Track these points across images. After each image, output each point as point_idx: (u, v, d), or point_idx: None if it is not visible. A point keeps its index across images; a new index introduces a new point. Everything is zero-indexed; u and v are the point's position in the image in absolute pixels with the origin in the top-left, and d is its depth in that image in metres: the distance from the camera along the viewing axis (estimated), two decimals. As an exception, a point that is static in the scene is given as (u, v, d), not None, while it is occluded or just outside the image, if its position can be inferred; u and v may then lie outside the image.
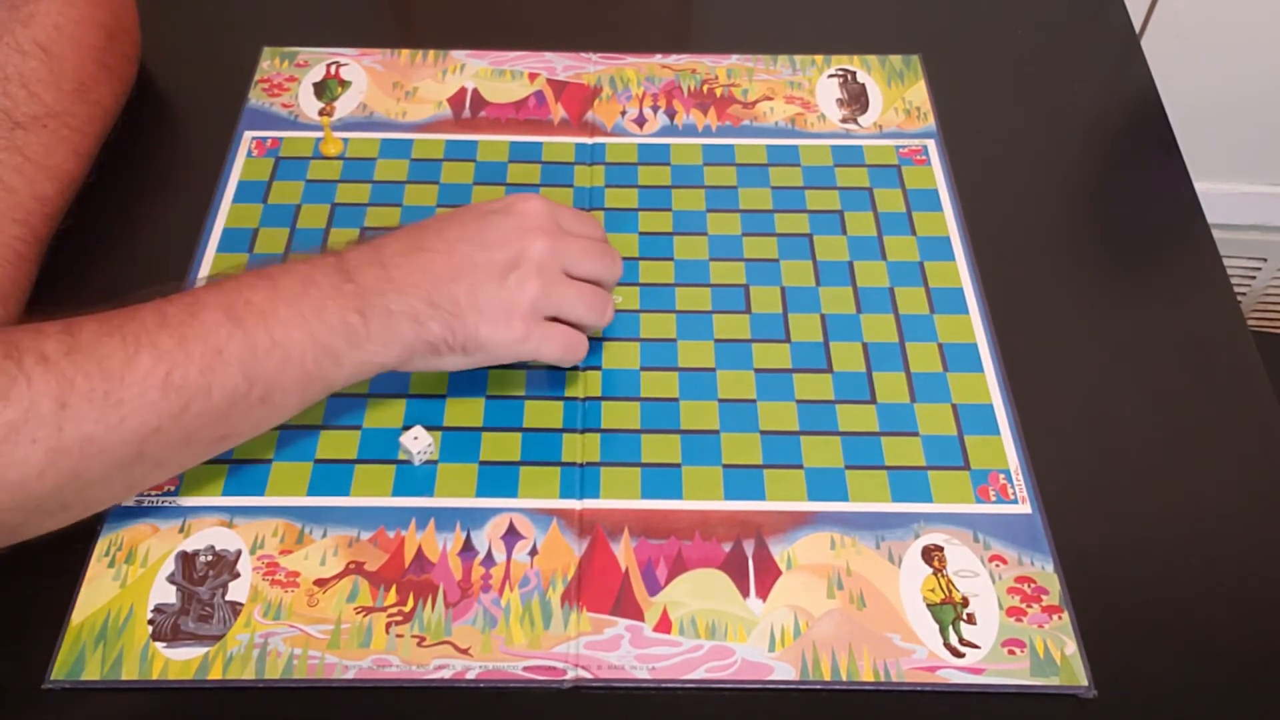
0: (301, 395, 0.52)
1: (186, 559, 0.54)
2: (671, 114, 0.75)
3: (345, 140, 0.72)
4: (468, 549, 0.55)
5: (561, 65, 0.78)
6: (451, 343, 0.53)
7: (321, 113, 0.75)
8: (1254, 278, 1.43)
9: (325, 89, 0.76)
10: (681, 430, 0.59)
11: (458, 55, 0.79)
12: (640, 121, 0.75)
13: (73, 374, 0.46)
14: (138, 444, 0.48)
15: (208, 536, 0.55)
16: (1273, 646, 0.53)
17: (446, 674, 0.51)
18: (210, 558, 0.54)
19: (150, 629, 0.52)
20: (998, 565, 0.55)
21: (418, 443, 0.57)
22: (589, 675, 0.51)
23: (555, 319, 0.56)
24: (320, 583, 0.53)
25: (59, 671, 0.50)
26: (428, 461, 0.58)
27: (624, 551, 0.55)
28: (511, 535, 0.55)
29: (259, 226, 0.68)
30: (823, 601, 0.53)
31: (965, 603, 0.53)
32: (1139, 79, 0.79)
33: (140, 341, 0.48)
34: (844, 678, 0.51)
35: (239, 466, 0.57)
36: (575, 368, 0.61)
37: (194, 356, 0.48)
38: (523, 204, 0.56)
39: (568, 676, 0.51)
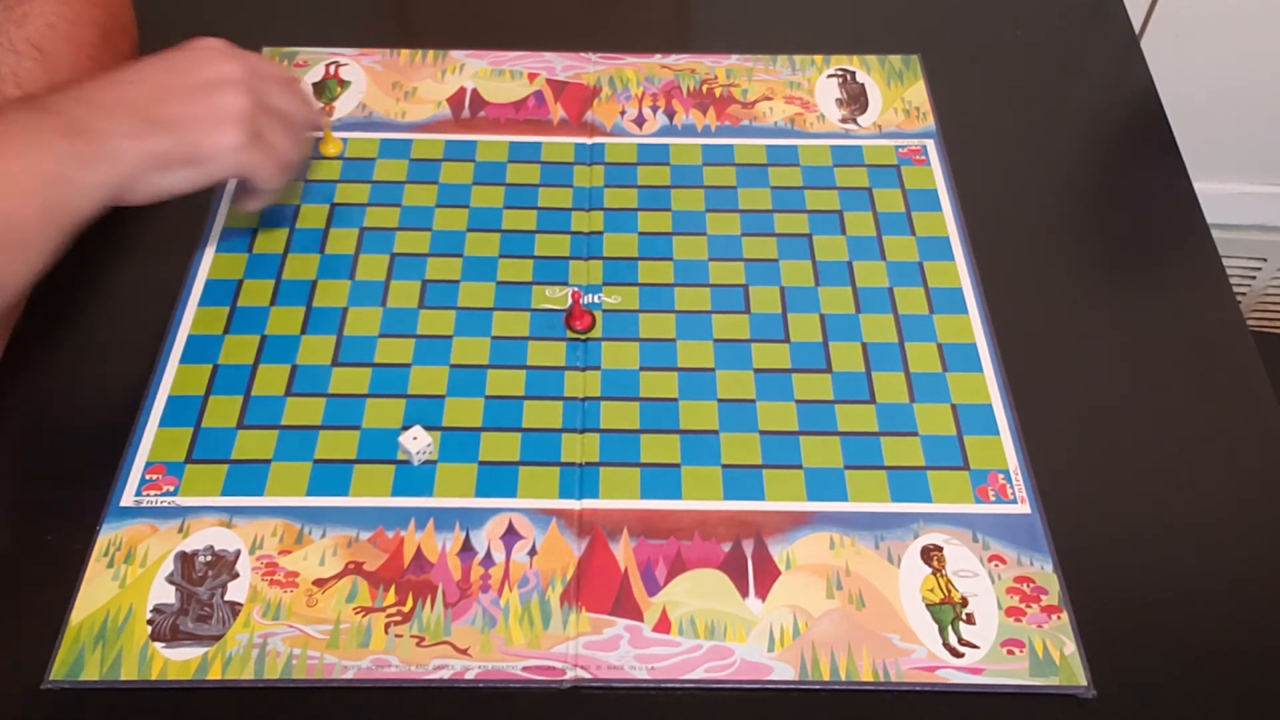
0: (44, 227, 0.52)
1: (186, 559, 0.54)
2: (671, 114, 0.75)
3: (344, 140, 0.72)
4: (467, 549, 0.55)
5: (561, 65, 0.78)
6: (177, 155, 0.56)
7: (321, 113, 0.74)
8: (1254, 278, 1.43)
9: (324, 89, 0.76)
10: (681, 430, 0.59)
11: (457, 55, 0.79)
12: (640, 121, 0.75)
13: None
14: None
15: (207, 536, 0.55)
16: (1273, 646, 0.53)
17: (446, 674, 0.51)
18: (209, 558, 0.54)
19: (149, 629, 0.52)
20: (997, 565, 0.55)
21: (417, 443, 0.57)
22: (588, 675, 0.51)
23: None
24: (319, 583, 0.53)
25: (58, 672, 0.50)
26: (427, 461, 0.58)
27: (623, 551, 0.55)
28: (511, 535, 0.55)
29: (258, 227, 0.68)
30: (822, 601, 0.53)
31: (964, 603, 0.53)
32: (1138, 79, 0.79)
33: None
34: (843, 678, 0.51)
35: (238, 466, 0.57)
36: (577, 366, 0.61)
37: None
38: (199, 40, 0.60)
39: (567, 676, 0.51)
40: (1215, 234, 0.69)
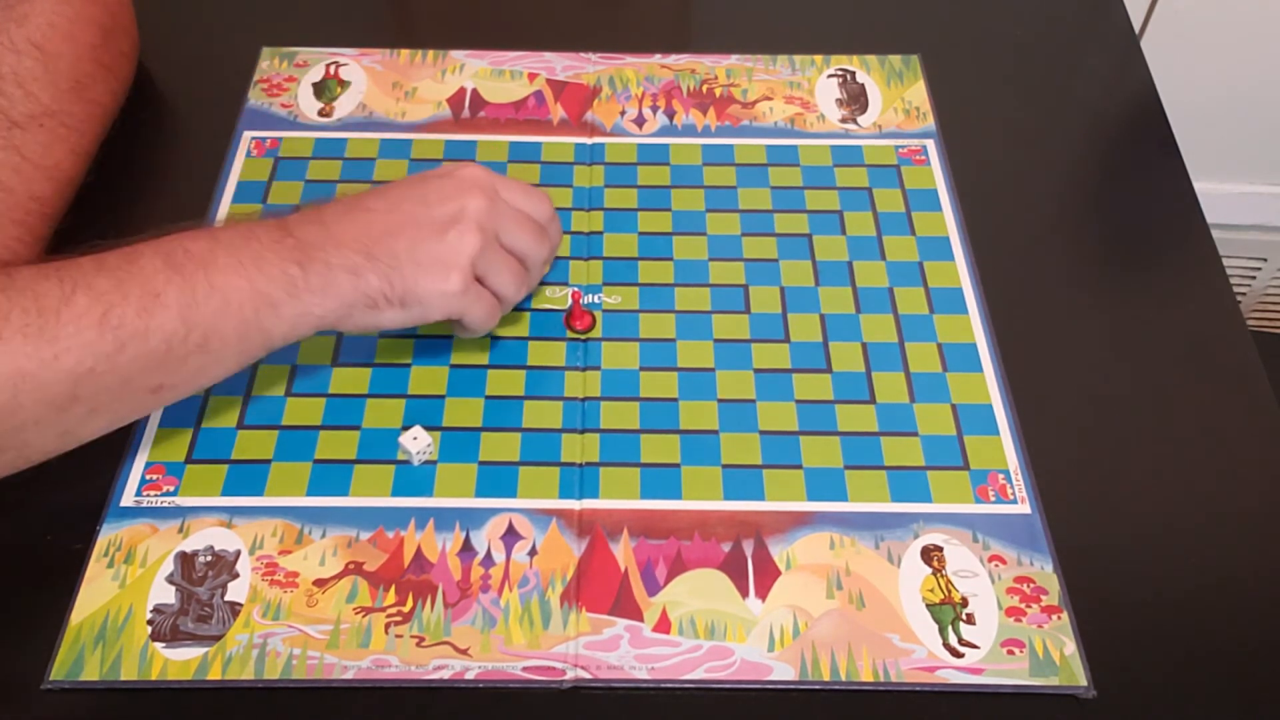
0: (240, 345, 0.52)
1: (186, 559, 0.54)
2: (671, 114, 0.75)
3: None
4: (467, 549, 0.55)
5: (561, 65, 0.78)
6: (390, 296, 0.54)
7: (321, 113, 0.74)
8: (1254, 278, 1.43)
9: (324, 89, 0.76)
10: (681, 430, 0.59)
11: (457, 55, 0.79)
12: (640, 121, 0.75)
13: (8, 308, 0.47)
14: (72, 384, 0.48)
15: (207, 537, 0.55)
16: (1272, 646, 0.53)
17: (446, 674, 0.51)
18: (209, 558, 0.54)
19: (149, 629, 0.52)
20: (997, 565, 0.55)
21: (417, 443, 0.57)
22: (588, 675, 0.51)
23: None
24: (319, 583, 0.53)
25: (58, 672, 0.50)
26: (427, 461, 0.58)
27: (623, 551, 0.55)
28: (511, 535, 0.55)
29: (258, 226, 0.68)
30: (822, 601, 0.53)
31: (964, 603, 0.53)
32: (1138, 79, 0.79)
33: (77, 283, 0.48)
34: (843, 678, 0.51)
35: (238, 466, 0.57)
36: (577, 366, 0.61)
37: (131, 298, 0.49)
38: (464, 168, 0.58)
39: (567, 677, 0.51)
40: (1215, 234, 0.69)
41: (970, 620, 0.53)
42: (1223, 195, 1.33)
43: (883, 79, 0.78)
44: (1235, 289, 1.41)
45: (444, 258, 0.55)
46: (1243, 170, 1.32)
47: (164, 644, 0.51)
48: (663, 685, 0.51)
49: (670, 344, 0.63)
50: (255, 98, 0.75)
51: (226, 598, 0.53)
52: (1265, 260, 1.41)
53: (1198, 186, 0.71)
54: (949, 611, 0.53)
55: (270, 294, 0.51)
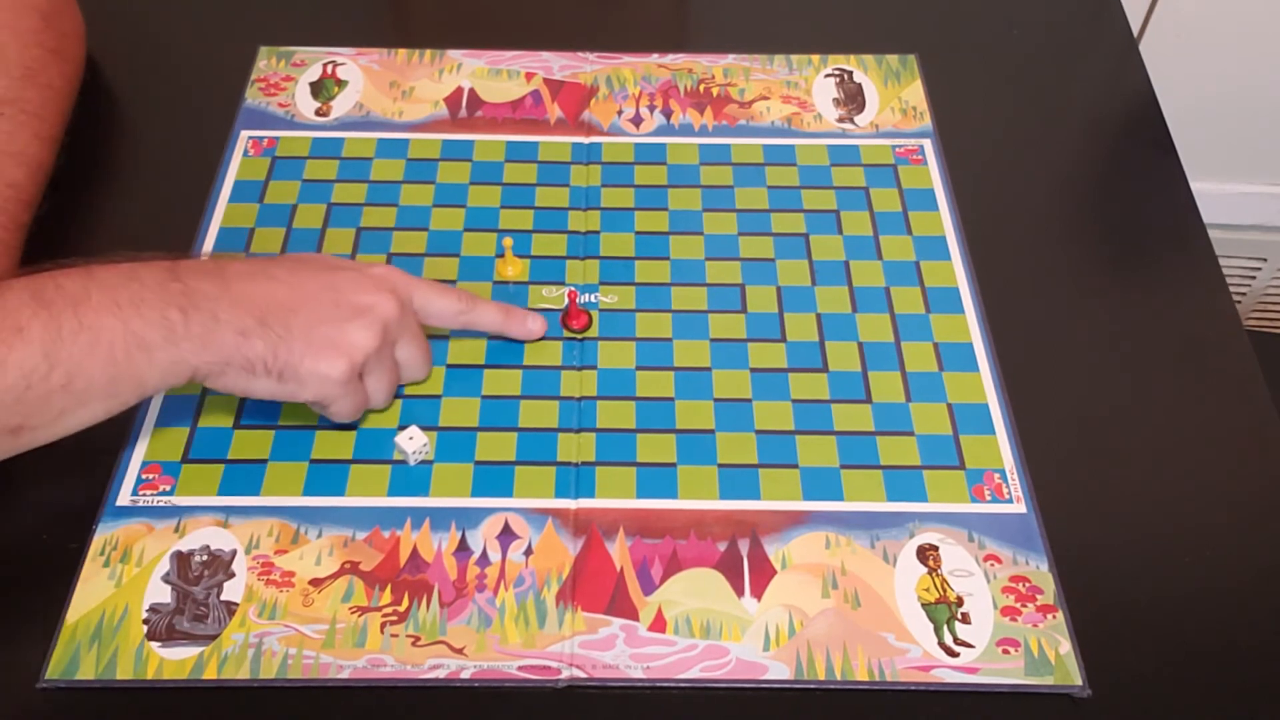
0: (109, 389, 0.49)
1: (182, 559, 0.54)
2: (668, 113, 0.75)
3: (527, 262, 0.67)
4: (463, 549, 0.55)
5: (558, 65, 0.78)
6: (270, 365, 0.51)
7: (318, 112, 0.74)
8: (1254, 278, 1.43)
9: (322, 88, 0.76)
10: (677, 430, 0.59)
11: (454, 55, 0.79)
12: (637, 121, 0.75)
13: None
14: None
15: (203, 536, 0.55)
16: (1266, 645, 0.53)
17: (441, 674, 0.51)
18: (205, 557, 0.54)
19: (145, 628, 0.52)
20: (992, 564, 0.55)
21: (413, 442, 0.57)
22: (583, 675, 0.51)
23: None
24: (315, 582, 0.53)
25: (53, 671, 0.50)
26: (423, 461, 0.58)
27: (619, 551, 0.55)
28: (506, 535, 0.55)
29: (255, 226, 0.68)
30: (817, 601, 0.53)
31: (960, 602, 0.53)
32: (1136, 80, 0.79)
33: None
34: (838, 677, 0.51)
35: (235, 466, 0.57)
36: (574, 366, 0.61)
37: None
38: (378, 266, 0.57)
39: (562, 676, 0.51)
40: (1215, 234, 0.69)
41: (965, 619, 0.53)
42: (1222, 195, 1.33)
43: (880, 78, 0.78)
44: (1235, 289, 1.41)
45: (338, 344, 0.53)
46: (1243, 170, 1.32)
47: (160, 643, 0.51)
48: (658, 684, 0.51)
49: (667, 343, 0.63)
50: (252, 97, 0.75)
51: (222, 597, 0.53)
52: (1265, 260, 1.41)
53: (1198, 186, 0.71)
54: (944, 611, 0.53)
55: (144, 336, 0.49)
